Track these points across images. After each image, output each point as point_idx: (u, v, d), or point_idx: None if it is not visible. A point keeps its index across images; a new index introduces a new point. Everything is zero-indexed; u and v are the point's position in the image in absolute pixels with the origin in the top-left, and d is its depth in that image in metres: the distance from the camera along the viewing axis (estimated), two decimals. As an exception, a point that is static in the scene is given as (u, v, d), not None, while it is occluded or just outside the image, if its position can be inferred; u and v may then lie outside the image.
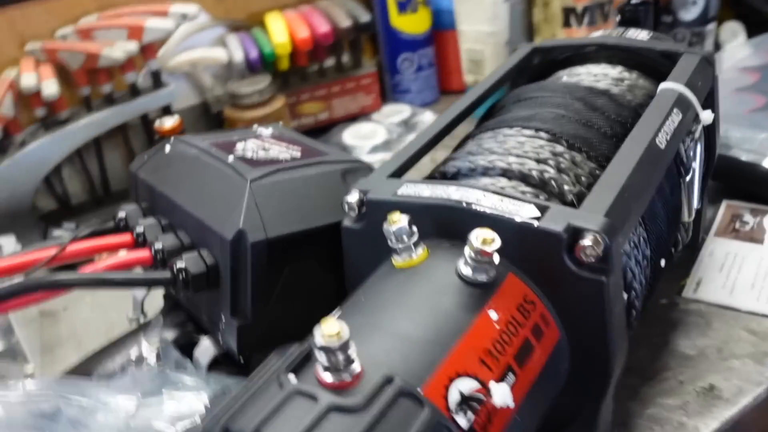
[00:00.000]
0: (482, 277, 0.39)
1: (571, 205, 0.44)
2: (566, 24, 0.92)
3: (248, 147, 0.58)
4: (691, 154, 0.54)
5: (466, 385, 0.35)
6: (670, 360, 0.55)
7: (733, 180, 0.72)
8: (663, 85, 0.54)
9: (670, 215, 0.52)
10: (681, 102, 0.51)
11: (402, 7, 0.99)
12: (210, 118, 0.94)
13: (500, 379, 0.36)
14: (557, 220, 0.39)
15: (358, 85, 0.97)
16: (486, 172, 0.47)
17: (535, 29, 0.97)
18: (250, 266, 0.48)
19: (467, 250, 0.38)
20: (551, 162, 0.46)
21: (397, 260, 0.41)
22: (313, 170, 0.53)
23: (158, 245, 0.52)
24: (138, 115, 0.86)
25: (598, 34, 0.67)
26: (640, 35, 0.65)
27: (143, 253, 0.52)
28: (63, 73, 0.82)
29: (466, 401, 0.34)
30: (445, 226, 0.42)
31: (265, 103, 0.85)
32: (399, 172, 0.49)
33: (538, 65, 0.66)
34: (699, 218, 0.65)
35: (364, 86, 0.97)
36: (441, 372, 0.34)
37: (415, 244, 0.41)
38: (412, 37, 1.02)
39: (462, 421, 0.33)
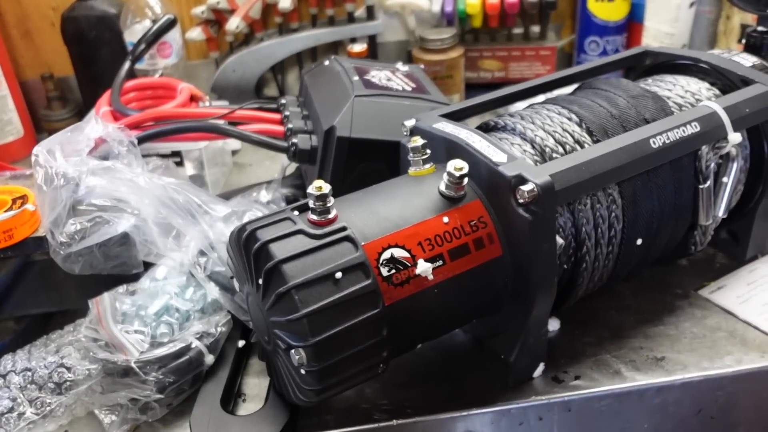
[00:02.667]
0: (450, 193, 0.54)
1: (550, 167, 0.56)
2: (740, 40, 0.95)
3: (378, 75, 0.76)
4: (712, 165, 0.61)
5: (399, 252, 0.51)
6: (647, 330, 0.64)
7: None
8: (704, 102, 0.62)
9: (669, 209, 0.61)
10: (707, 118, 0.60)
11: (599, -7, 1.09)
12: (406, 53, 1.13)
13: (428, 259, 0.52)
14: (514, 168, 0.52)
15: (537, 55, 1.09)
16: (514, 130, 0.60)
17: (717, 39, 1.01)
18: (333, 153, 0.67)
19: (446, 172, 0.54)
20: (558, 137, 0.59)
21: (411, 170, 0.58)
22: (407, 102, 0.71)
23: (290, 125, 0.73)
24: (349, 37, 1.08)
25: (710, 52, 0.74)
26: (744, 60, 0.71)
27: (279, 128, 0.74)
28: (302, -5, 1.07)
29: (393, 261, 0.51)
30: (451, 154, 0.57)
31: (444, 50, 1.02)
32: (454, 114, 0.64)
33: (649, 65, 0.75)
34: (747, 235, 0.71)
35: (542, 56, 1.09)
36: (385, 239, 0.51)
37: (425, 161, 0.57)
38: (603, 23, 1.11)
39: (384, 270, 0.50)
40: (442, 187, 0.54)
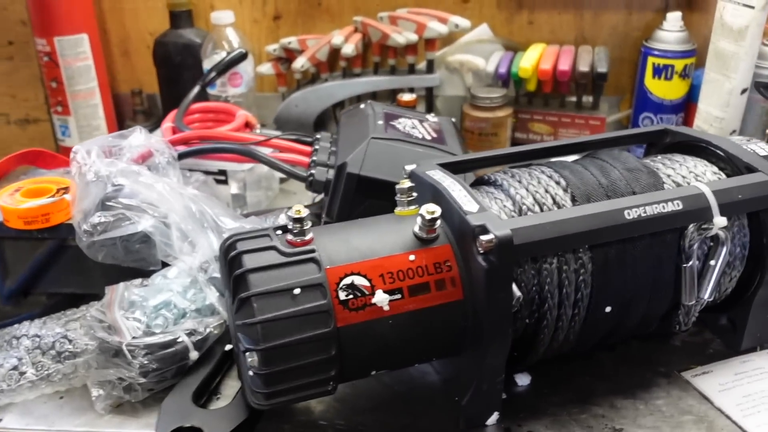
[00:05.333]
0: (422, 234, 0.58)
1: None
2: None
3: (405, 122, 0.81)
4: (696, 246, 0.62)
5: (359, 280, 0.55)
6: (616, 401, 0.65)
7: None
8: (693, 183, 0.63)
9: (645, 282, 0.62)
10: (691, 198, 0.61)
11: (657, 72, 1.10)
12: (460, 109, 1.18)
13: (387, 291, 0.56)
14: (480, 219, 0.56)
15: (587, 123, 1.11)
16: (501, 186, 0.64)
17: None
18: (342, 187, 0.73)
19: (420, 213, 0.58)
20: (539, 197, 0.61)
21: (396, 209, 0.62)
22: (421, 149, 0.75)
23: (314, 157, 0.79)
24: (407, 87, 1.14)
25: (730, 137, 0.74)
26: (761, 149, 0.71)
27: (305, 159, 0.80)
28: (367, 44, 1.14)
29: (353, 287, 0.55)
30: (435, 199, 0.61)
31: (491, 108, 1.06)
32: (453, 165, 0.68)
33: (668, 143, 0.76)
34: (744, 324, 0.70)
35: (591, 126, 1.11)
36: (349, 266, 0.56)
37: (410, 202, 0.62)
38: (659, 100, 1.12)
39: (342, 294, 0.55)
40: (416, 228, 0.58)
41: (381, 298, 0.55)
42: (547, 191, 0.62)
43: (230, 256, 0.55)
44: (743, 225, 0.66)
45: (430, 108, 1.17)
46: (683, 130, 0.74)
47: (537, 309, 0.60)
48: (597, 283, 0.60)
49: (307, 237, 0.56)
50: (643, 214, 0.59)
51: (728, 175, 0.68)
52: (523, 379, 0.67)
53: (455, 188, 0.60)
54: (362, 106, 0.86)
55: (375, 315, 0.55)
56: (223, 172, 0.93)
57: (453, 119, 0.89)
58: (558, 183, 0.63)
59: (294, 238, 0.56)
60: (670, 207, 0.60)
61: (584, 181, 0.63)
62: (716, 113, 1.02)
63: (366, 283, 0.55)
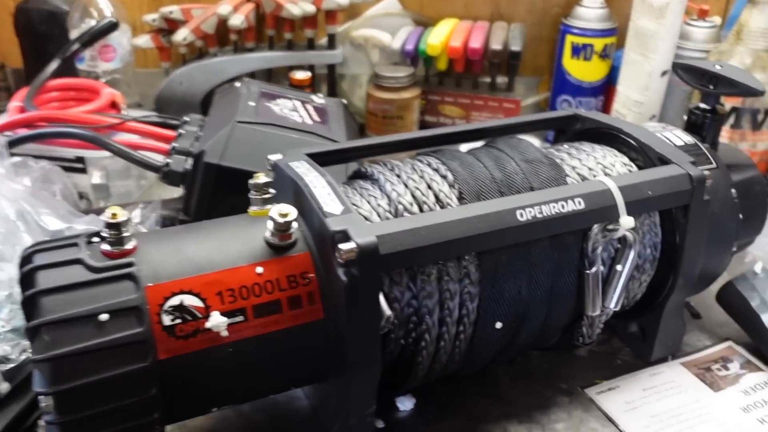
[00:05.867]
0: (274, 241, 0.48)
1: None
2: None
3: (284, 103, 0.71)
4: (599, 249, 0.54)
5: (190, 300, 0.45)
6: (510, 427, 0.56)
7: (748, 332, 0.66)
8: (599, 178, 0.55)
9: (542, 293, 0.53)
10: (595, 196, 0.52)
11: (575, 51, 1.02)
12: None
13: (226, 313, 0.45)
14: (342, 223, 0.46)
15: (500, 106, 1.02)
16: (377, 182, 0.54)
17: (689, 114, 0.93)
18: (200, 180, 0.61)
19: (270, 216, 0.47)
20: (419, 194, 0.52)
21: (251, 208, 0.52)
22: (296, 135, 0.65)
23: (175, 144, 0.68)
24: (307, 64, 1.03)
25: (644, 125, 0.66)
26: (676, 138, 0.63)
27: (164, 146, 0.69)
28: (261, 15, 1.02)
29: (181, 309, 0.44)
30: (296, 198, 0.51)
31: (397, 89, 0.96)
32: (327, 155, 0.58)
33: (579, 130, 0.67)
34: (654, 333, 0.62)
35: (506, 109, 1.02)
36: (178, 282, 0.45)
37: (265, 201, 0.51)
38: (578, 82, 1.04)
39: (166, 319, 0.44)
40: (266, 234, 0.48)
41: (217, 321, 0.45)
42: (430, 187, 0.53)
43: (23, 272, 0.44)
44: (654, 223, 0.59)
45: (332, 88, 1.06)
46: (594, 115, 0.66)
47: (414, 328, 0.50)
48: (485, 295, 0.51)
49: (127, 246, 0.45)
50: (539, 215, 0.50)
51: (640, 167, 0.60)
52: (405, 404, 0.58)
53: (318, 184, 0.50)
54: (237, 84, 0.74)
55: (210, 343, 0.45)
56: (80, 160, 0.80)
57: (344, 101, 0.78)
58: (444, 177, 0.54)
59: (110, 248, 0.45)
60: (570, 206, 0.51)
61: (475, 175, 0.54)
62: (636, 97, 0.95)
63: (199, 303, 0.45)
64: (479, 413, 0.58)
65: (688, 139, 0.64)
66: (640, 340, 0.64)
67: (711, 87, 0.65)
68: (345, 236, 0.45)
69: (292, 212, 0.47)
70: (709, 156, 0.62)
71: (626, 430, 0.56)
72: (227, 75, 1.02)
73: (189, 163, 0.65)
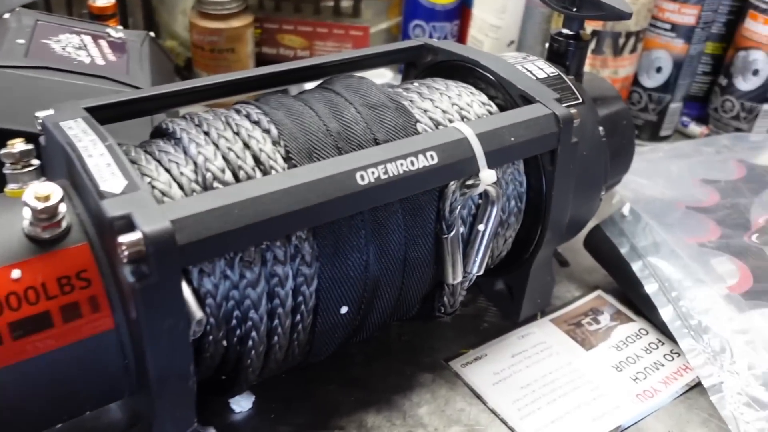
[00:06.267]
0: (35, 233, 0.35)
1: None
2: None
3: (68, 40, 0.56)
4: (458, 210, 0.46)
5: None
6: (366, 418, 0.49)
7: (617, 280, 0.61)
8: (454, 124, 0.46)
9: (394, 266, 0.45)
10: (450, 147, 0.44)
11: (426, -30, 0.92)
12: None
13: (-31, 337, 0.33)
14: (124, 205, 0.34)
15: (347, 34, 0.92)
16: (179, 142, 0.42)
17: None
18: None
19: (24, 200, 0.35)
20: (233, 157, 0.41)
21: (8, 187, 0.39)
22: (80, 82, 0.51)
23: None
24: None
25: (502, 55, 0.58)
26: (538, 70, 0.56)
27: None
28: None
29: None
30: (69, 172, 0.39)
31: (224, 17, 0.83)
32: (114, 107, 0.45)
33: (430, 63, 0.58)
34: (522, 292, 0.56)
35: (353, 37, 0.92)
36: None
37: (27, 176, 0.39)
38: (430, 5, 0.94)
39: None
40: (26, 224, 0.36)
41: (-43, 351, 0.33)
42: (248, 146, 0.42)
43: None
44: (519, 171, 0.51)
45: (149, 18, 0.90)
46: (447, 46, 0.57)
47: (238, 325, 0.40)
48: (325, 276, 0.42)
49: None
50: (383, 176, 0.41)
51: (500, 107, 0.52)
52: (241, 404, 0.49)
53: (95, 151, 0.38)
54: (7, 15, 0.59)
55: (-54, 381, 0.33)
56: None
57: (152, 34, 0.64)
58: (267, 132, 0.43)
59: None
60: (421, 162, 0.42)
61: (305, 127, 0.44)
62: (492, 20, 0.87)
63: None
64: (329, 405, 0.49)
65: (551, 70, 0.56)
66: (507, 299, 0.58)
67: (574, 9, 0.57)
68: (128, 223, 0.34)
69: (54, 192, 0.35)
70: (575, 90, 0.55)
71: (495, 406, 0.50)
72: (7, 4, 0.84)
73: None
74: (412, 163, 0.42)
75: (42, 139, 0.43)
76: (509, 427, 0.49)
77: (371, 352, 0.54)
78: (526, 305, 0.57)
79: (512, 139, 0.46)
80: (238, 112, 0.45)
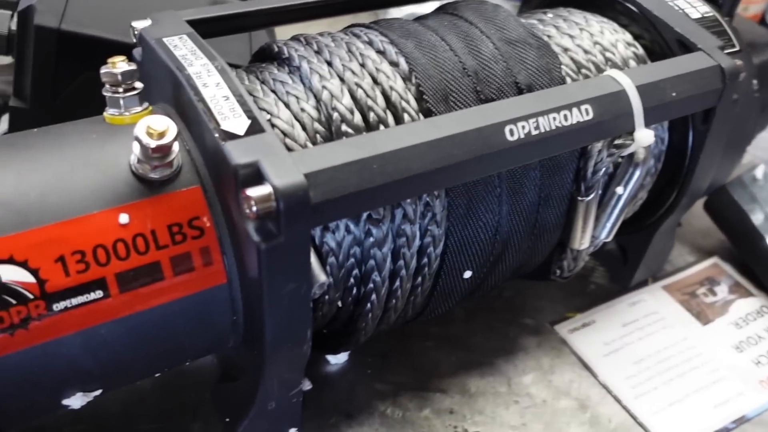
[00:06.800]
0: (144, 172, 0.31)
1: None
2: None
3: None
4: (602, 171, 0.40)
5: (12, 273, 0.28)
6: (467, 382, 0.45)
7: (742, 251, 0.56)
8: (609, 72, 0.39)
9: (523, 229, 0.40)
10: (606, 101, 0.37)
11: None
12: None
13: (74, 289, 0.29)
14: (249, 151, 0.29)
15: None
16: (298, 70, 0.37)
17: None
18: (33, 49, 0.42)
19: (136, 136, 0.30)
20: (361, 95, 0.35)
21: (107, 111, 0.34)
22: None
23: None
24: None
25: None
26: (691, 9, 0.48)
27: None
28: None
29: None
30: (176, 99, 0.34)
31: None
32: (213, 21, 0.39)
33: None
34: (640, 256, 0.51)
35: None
36: (-8, 244, 0.28)
37: (130, 101, 0.34)
38: None
39: (-29, 305, 0.28)
40: (132, 159, 0.31)
41: (59, 303, 0.29)
42: (377, 83, 0.36)
43: None
44: (662, 127, 0.45)
45: None
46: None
47: (356, 284, 0.36)
48: (454, 240, 0.37)
49: None
50: (534, 132, 0.35)
51: (647, 48, 0.45)
52: (336, 356, 0.45)
53: (210, 80, 0.32)
54: None
55: (49, 335, 0.29)
56: None
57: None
58: (396, 66, 0.37)
59: None
60: (575, 116, 0.36)
61: (439, 63, 0.38)
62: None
63: (27, 277, 0.29)
64: (429, 364, 0.46)
65: (705, 9, 0.49)
66: (618, 260, 0.53)
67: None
68: (255, 173, 0.29)
69: (170, 129, 0.30)
70: (731, 35, 0.48)
71: (606, 381, 0.46)
72: None
73: (13, 21, 0.44)
74: (566, 118, 0.36)
75: (137, 53, 0.38)
76: (623, 407, 0.45)
77: (471, 308, 0.50)
78: (641, 271, 0.52)
79: (673, 94, 0.40)
80: (358, 36, 0.39)
